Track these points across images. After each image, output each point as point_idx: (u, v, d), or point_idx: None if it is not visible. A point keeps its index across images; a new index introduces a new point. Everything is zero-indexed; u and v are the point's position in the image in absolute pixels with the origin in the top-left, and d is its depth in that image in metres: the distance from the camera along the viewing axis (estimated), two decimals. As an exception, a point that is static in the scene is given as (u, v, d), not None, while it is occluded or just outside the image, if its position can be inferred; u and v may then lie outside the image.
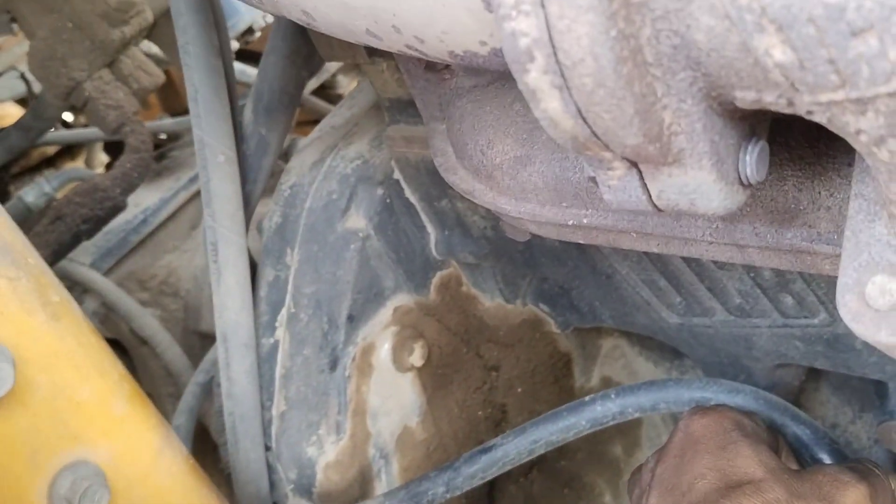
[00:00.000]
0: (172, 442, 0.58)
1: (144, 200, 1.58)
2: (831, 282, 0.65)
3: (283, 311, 0.84)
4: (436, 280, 0.89)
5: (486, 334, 0.94)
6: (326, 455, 0.82)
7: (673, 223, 0.45)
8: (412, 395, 0.86)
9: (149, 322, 1.40)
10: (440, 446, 0.90)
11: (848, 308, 0.34)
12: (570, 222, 0.48)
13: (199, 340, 1.44)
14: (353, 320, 0.82)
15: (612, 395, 0.72)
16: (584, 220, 0.48)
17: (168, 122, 1.74)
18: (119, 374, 0.55)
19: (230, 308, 0.78)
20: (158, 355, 1.40)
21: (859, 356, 0.70)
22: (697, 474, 0.53)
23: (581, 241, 0.52)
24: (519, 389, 0.97)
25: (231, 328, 0.79)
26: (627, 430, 1.02)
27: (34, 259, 0.53)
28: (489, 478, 0.75)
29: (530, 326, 0.94)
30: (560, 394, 1.00)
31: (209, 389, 1.05)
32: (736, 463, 0.53)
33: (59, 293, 0.52)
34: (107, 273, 1.49)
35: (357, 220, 0.82)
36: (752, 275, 0.68)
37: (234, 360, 0.79)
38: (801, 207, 0.41)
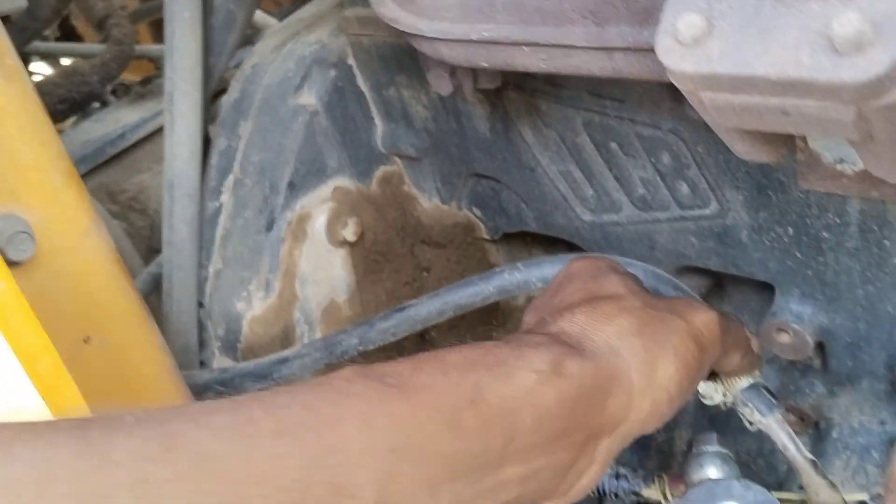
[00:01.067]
0: (101, 229, 0.64)
1: (125, 117, 1.64)
2: (720, 167, 0.71)
3: (230, 177, 0.90)
4: (379, 173, 0.96)
5: (422, 235, 1.00)
6: (254, 310, 0.88)
7: (555, 31, 0.51)
8: (342, 272, 0.92)
9: (113, 228, 1.45)
10: (364, 329, 0.95)
11: (663, 46, 0.40)
12: (474, 37, 0.55)
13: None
14: (294, 188, 0.88)
15: (520, 267, 0.78)
16: (485, 34, 0.54)
17: (156, 47, 1.80)
18: (60, 150, 0.60)
19: (179, 157, 0.84)
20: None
21: (745, 252, 0.76)
22: (567, 294, 0.59)
23: (485, 64, 0.58)
24: (447, 292, 1.02)
25: (178, 177, 0.85)
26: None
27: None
28: (401, 335, 0.81)
29: (463, 230, 1.00)
30: (486, 306, 1.06)
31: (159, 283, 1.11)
32: (603, 285, 0.59)
33: (13, 59, 0.58)
34: (79, 180, 1.54)
35: (308, 98, 0.89)
36: (652, 160, 0.74)
37: (176, 208, 0.85)
38: (656, 5, 0.47)
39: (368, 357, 0.82)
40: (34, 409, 0.53)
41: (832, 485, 0.62)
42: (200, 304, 0.91)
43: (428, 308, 0.80)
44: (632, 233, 0.84)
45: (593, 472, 0.52)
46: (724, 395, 0.65)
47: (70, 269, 0.62)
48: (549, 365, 0.48)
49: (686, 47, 0.38)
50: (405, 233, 0.99)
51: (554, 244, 1.03)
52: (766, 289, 0.80)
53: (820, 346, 0.81)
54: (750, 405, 0.64)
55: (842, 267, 0.71)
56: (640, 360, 0.52)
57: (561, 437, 0.48)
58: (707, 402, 0.65)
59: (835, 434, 0.84)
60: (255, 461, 0.37)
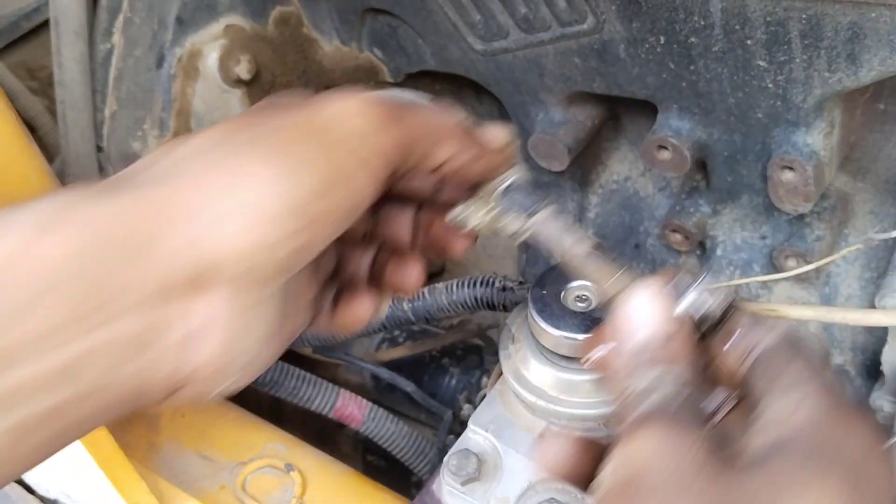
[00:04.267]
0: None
1: (25, -5, 1.60)
2: (592, -24, 0.72)
3: (120, 17, 0.89)
4: (275, 13, 0.95)
5: (325, 79, 1.00)
6: (150, 149, 0.88)
7: None
8: (239, 111, 0.92)
9: (32, 103, 1.43)
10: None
11: None
12: None
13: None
14: (182, 24, 0.87)
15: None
16: None
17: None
18: None
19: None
20: (41, 138, 1.44)
21: (625, 69, 0.77)
22: None
23: None
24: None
25: (62, 13, 0.83)
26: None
27: None
28: None
29: (365, 73, 1.00)
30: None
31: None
32: None
33: None
34: (-3, 55, 1.51)
35: (194, -70, 0.87)
36: (529, -26, 0.75)
37: (64, 46, 0.84)
38: None
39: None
40: None
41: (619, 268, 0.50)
42: (99, 148, 0.91)
43: None
44: (521, 60, 0.84)
45: (211, 336, 0.38)
46: (488, 210, 0.51)
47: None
48: (47, 216, 0.36)
49: None
50: (307, 77, 0.99)
51: (459, 87, 1.03)
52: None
53: (703, 166, 0.83)
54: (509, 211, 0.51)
55: (712, 74, 0.72)
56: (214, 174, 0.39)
57: (94, 303, 0.35)
58: (476, 226, 0.52)
59: (719, 251, 0.87)
60: None
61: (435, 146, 0.46)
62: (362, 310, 0.52)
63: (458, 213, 0.52)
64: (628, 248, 0.94)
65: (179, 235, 0.37)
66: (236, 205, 0.38)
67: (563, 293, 0.57)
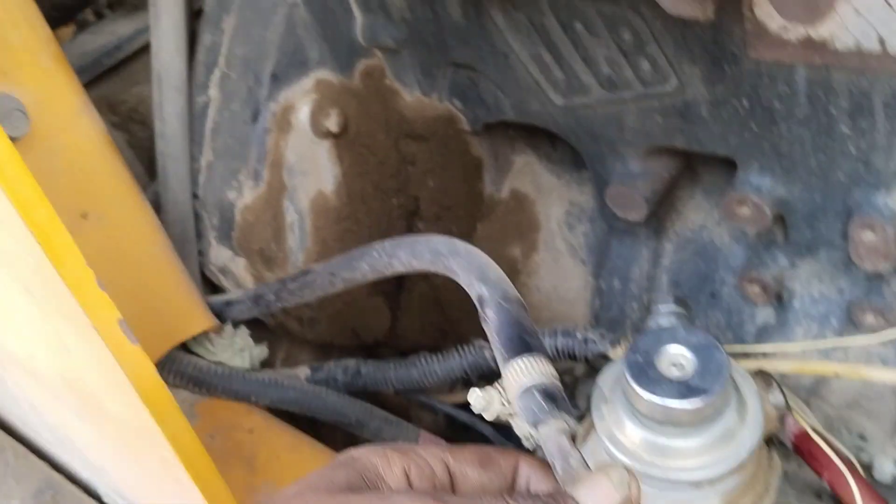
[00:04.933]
0: (92, 113, 0.68)
1: (120, 29, 1.67)
2: (677, 42, 0.74)
3: (216, 71, 0.94)
4: (360, 67, 0.99)
5: (405, 128, 1.04)
6: (244, 198, 0.93)
7: None
8: (328, 163, 0.96)
9: (114, 136, 1.49)
10: (353, 218, 1.00)
11: None
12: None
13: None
14: (277, 80, 0.91)
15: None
16: None
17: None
18: (48, 34, 0.64)
19: (165, 50, 0.87)
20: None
21: (706, 127, 0.80)
22: None
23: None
24: (431, 184, 1.07)
25: (165, 69, 0.88)
26: (526, 234, 1.12)
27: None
28: (307, 299, 0.86)
29: (445, 122, 1.03)
30: (470, 194, 1.10)
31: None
32: None
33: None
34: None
35: (288, -9, 0.91)
36: (614, 37, 0.77)
37: (166, 101, 0.89)
38: None
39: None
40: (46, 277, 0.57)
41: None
42: (195, 196, 0.96)
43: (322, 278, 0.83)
44: (601, 115, 0.87)
45: None
46: (503, 403, 0.51)
47: (64, 146, 0.66)
48: None
49: None
50: (389, 126, 1.02)
51: (533, 134, 1.06)
52: (734, 169, 0.84)
53: (781, 220, 0.85)
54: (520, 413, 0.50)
55: (794, 136, 0.74)
56: None
57: None
58: (486, 415, 0.52)
59: (796, 304, 0.88)
60: None
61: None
62: None
63: (479, 395, 0.51)
64: (703, 297, 0.96)
65: None
66: None
67: (657, 358, 0.60)
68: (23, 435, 0.92)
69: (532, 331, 0.52)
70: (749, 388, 0.63)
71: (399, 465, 0.47)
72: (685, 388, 0.58)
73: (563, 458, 0.46)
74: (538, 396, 0.48)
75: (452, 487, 0.49)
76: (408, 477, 0.47)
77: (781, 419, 0.65)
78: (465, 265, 0.60)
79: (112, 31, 1.63)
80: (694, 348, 0.60)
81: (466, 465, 0.49)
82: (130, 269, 0.74)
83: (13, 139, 0.62)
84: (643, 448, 0.60)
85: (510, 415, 0.50)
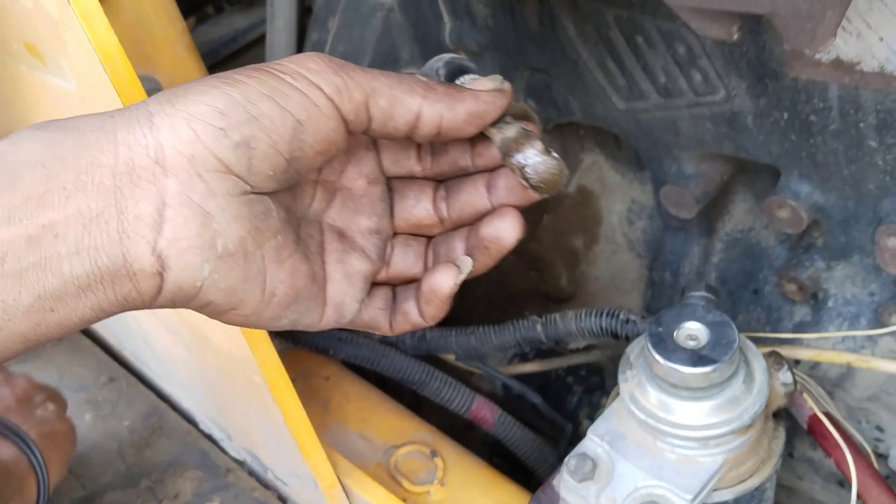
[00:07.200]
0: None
1: (237, 22, 1.83)
2: (725, 58, 0.83)
3: (320, 64, 1.06)
4: (446, 66, 1.10)
5: (483, 123, 1.14)
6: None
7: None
8: (411, 149, 1.07)
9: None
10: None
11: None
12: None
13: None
14: (371, 74, 1.03)
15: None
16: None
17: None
18: (183, 27, 0.77)
19: (277, 44, 1.00)
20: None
21: (752, 136, 0.88)
22: None
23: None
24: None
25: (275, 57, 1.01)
26: (589, 227, 1.21)
27: None
28: None
29: (517, 118, 1.13)
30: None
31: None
32: None
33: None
34: (196, 77, 1.75)
35: (386, -3, 1.03)
36: (670, 51, 0.86)
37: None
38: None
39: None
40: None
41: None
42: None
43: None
44: (659, 120, 0.96)
45: (179, 213, 0.43)
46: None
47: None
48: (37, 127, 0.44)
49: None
50: (469, 120, 1.13)
51: (601, 135, 1.16)
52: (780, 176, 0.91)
53: (818, 225, 0.92)
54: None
55: (829, 148, 0.82)
56: None
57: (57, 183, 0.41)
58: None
59: (831, 304, 0.95)
60: None
61: (395, 101, 0.51)
62: (443, 278, 0.53)
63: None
64: (747, 293, 1.03)
65: (140, 129, 0.43)
66: (186, 104, 0.44)
67: (676, 331, 0.69)
68: (134, 367, 1.07)
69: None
70: (759, 364, 0.71)
71: None
72: (697, 357, 0.66)
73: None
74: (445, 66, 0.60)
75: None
76: None
77: (790, 396, 0.73)
78: None
79: (229, 24, 1.80)
80: (709, 324, 0.68)
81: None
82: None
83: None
84: (659, 408, 0.69)
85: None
